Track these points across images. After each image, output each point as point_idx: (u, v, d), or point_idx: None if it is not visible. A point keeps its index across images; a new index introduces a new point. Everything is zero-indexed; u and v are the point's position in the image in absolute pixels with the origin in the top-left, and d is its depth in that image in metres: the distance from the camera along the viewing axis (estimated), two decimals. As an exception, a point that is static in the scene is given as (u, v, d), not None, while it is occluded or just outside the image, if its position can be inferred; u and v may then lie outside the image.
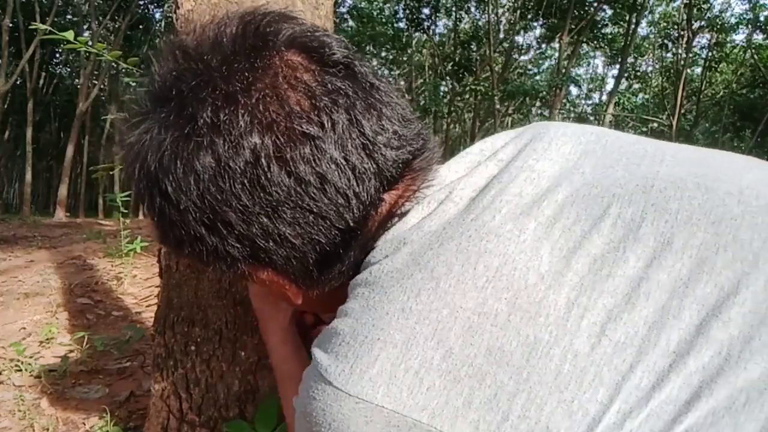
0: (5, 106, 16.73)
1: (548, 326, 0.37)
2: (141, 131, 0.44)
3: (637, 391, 0.36)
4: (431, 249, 0.41)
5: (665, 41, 20.07)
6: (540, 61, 25.11)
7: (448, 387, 0.37)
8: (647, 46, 22.80)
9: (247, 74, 0.42)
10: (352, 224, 0.45)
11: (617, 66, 19.40)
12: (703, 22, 18.11)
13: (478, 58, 20.23)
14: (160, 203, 0.44)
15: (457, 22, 21.45)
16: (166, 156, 0.42)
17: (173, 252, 0.55)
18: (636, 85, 25.08)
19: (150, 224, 0.50)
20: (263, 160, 0.41)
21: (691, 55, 19.12)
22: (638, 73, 22.98)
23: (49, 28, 1.71)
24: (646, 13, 18.47)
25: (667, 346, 0.36)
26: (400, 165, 0.46)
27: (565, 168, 0.45)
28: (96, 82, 17.29)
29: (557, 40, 17.19)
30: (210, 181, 0.42)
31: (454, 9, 20.28)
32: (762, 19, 17.34)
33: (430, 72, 24.66)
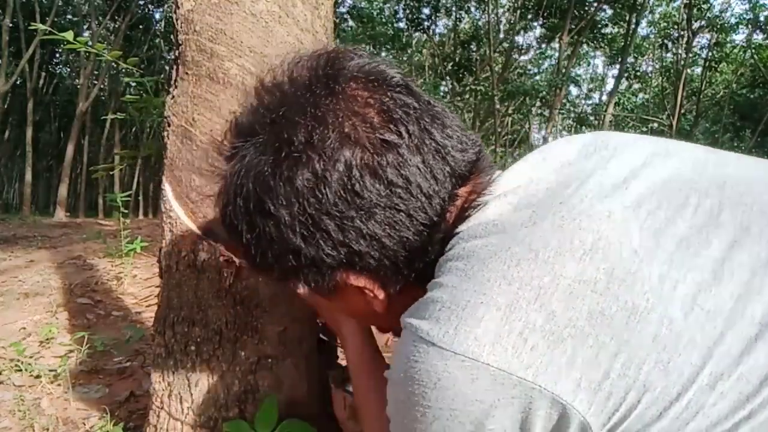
0: (5, 106, 16.72)
1: (645, 294, 0.40)
2: (235, 162, 0.50)
3: (727, 356, 0.40)
4: (525, 227, 0.45)
5: (665, 41, 20.05)
6: (540, 61, 25.09)
7: (552, 347, 0.40)
8: (647, 46, 22.77)
9: (328, 99, 0.48)
10: (435, 219, 0.50)
11: (617, 66, 19.39)
12: (703, 22, 18.09)
13: (478, 58, 20.23)
14: (260, 223, 0.49)
15: (457, 22, 21.43)
16: (267, 176, 0.48)
17: (265, 275, 0.58)
18: (636, 85, 25.06)
19: (240, 254, 0.55)
20: (355, 170, 0.47)
21: (691, 55, 19.10)
22: (638, 73, 22.96)
23: (49, 28, 1.71)
24: (646, 13, 18.46)
25: (752, 317, 0.40)
26: (468, 164, 0.53)
27: (636, 166, 0.49)
28: (96, 82, 17.29)
29: (557, 40, 17.17)
30: (309, 193, 0.47)
31: (454, 9, 20.27)
32: (762, 19, 17.32)
33: (430, 72, 24.64)
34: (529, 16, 18.56)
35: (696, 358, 0.40)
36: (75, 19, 19.33)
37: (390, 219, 0.48)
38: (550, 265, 0.42)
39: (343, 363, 1.08)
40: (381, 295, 0.55)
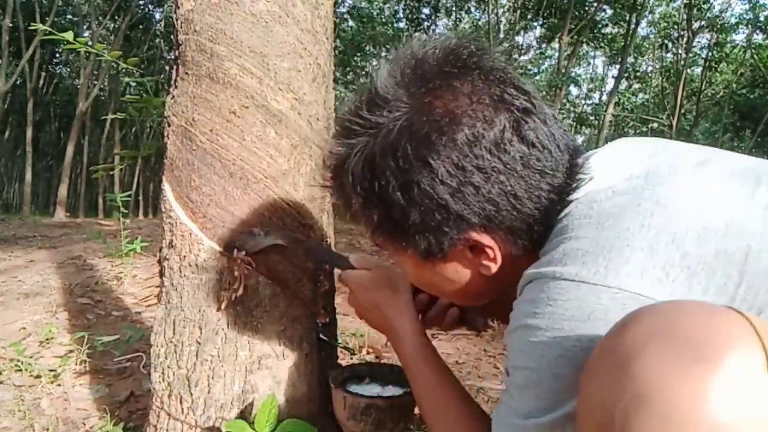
0: (5, 106, 16.72)
1: (755, 237, 0.50)
2: (379, 130, 0.57)
3: None
4: (647, 190, 0.54)
5: (665, 41, 20.04)
6: (540, 61, 25.08)
7: (689, 279, 0.49)
8: (647, 46, 22.75)
9: (475, 71, 0.57)
10: (562, 184, 0.58)
11: (617, 66, 19.38)
12: (703, 22, 18.08)
13: (478, 58, 20.18)
14: (414, 179, 0.55)
15: (457, 22, 21.42)
16: (426, 133, 0.54)
17: (389, 242, 0.63)
18: (636, 85, 25.04)
19: (368, 221, 0.60)
20: (507, 131, 0.55)
21: (691, 55, 19.08)
22: (638, 73, 22.95)
23: (49, 28, 1.71)
24: (646, 13, 18.45)
25: None
26: (574, 143, 0.62)
27: (701, 159, 0.58)
28: (96, 82, 17.29)
29: (557, 40, 17.16)
30: (467, 148, 0.54)
31: (454, 9, 20.26)
32: (762, 19, 17.30)
33: (430, 72, 24.58)
34: (529, 16, 18.55)
35: None
36: (75, 19, 19.32)
37: (528, 178, 0.56)
38: (680, 217, 0.51)
39: (343, 363, 1.08)
40: (499, 257, 0.60)
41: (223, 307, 0.93)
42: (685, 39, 18.52)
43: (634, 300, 0.48)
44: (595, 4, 16.35)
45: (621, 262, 0.49)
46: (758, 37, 18.15)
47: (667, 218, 0.51)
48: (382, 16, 22.28)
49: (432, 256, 0.61)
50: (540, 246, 0.59)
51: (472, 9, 20.39)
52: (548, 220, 0.59)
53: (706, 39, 19.28)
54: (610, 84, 23.19)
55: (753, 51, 17.71)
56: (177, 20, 0.99)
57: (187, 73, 0.97)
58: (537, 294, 0.53)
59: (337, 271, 0.93)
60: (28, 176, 14.25)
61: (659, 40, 20.57)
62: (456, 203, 0.55)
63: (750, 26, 17.54)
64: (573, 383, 0.49)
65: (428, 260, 0.62)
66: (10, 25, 13.13)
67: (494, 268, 0.61)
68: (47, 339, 1.91)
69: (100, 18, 17.22)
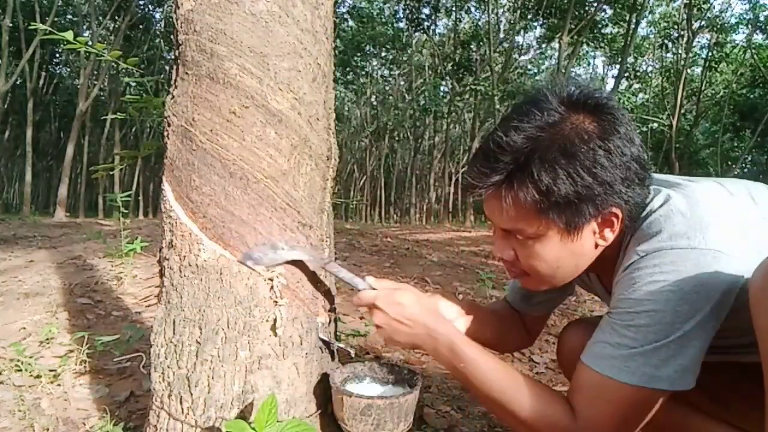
0: (5, 106, 16.71)
1: None
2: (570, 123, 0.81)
3: None
4: (704, 203, 0.81)
5: (665, 41, 20.03)
6: (540, 61, 25.07)
7: (755, 244, 0.77)
8: (647, 46, 22.74)
9: (600, 111, 0.83)
10: (647, 186, 0.84)
11: (617, 66, 19.37)
12: (703, 22, 18.07)
13: (478, 58, 20.21)
14: (598, 161, 0.78)
15: (457, 22, 21.41)
16: (600, 145, 0.78)
17: (556, 212, 0.81)
18: (636, 85, 25.02)
19: (532, 197, 0.79)
20: (627, 142, 0.80)
21: (691, 55, 19.07)
22: (638, 73, 22.94)
23: (49, 28, 1.71)
24: (646, 13, 18.44)
25: None
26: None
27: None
28: (96, 82, 17.29)
29: (557, 40, 17.14)
30: (612, 156, 0.78)
31: (454, 9, 20.25)
32: (762, 19, 17.28)
33: (430, 72, 24.62)
34: (529, 16, 18.54)
35: None
36: (75, 19, 19.32)
37: (637, 173, 0.80)
38: (744, 207, 0.83)
39: (342, 363, 1.08)
40: (617, 229, 0.83)
41: (223, 305, 0.93)
42: (685, 39, 18.51)
43: (726, 260, 0.74)
44: (595, 4, 16.34)
45: (712, 233, 0.75)
46: (758, 37, 18.14)
47: (730, 213, 0.80)
48: (382, 16, 22.27)
49: (575, 228, 0.81)
50: (627, 229, 0.84)
51: (472, 9, 20.37)
52: (643, 210, 0.84)
53: (706, 39, 19.27)
54: (610, 84, 23.18)
55: (753, 51, 17.70)
56: (177, 20, 0.99)
57: (187, 73, 0.97)
58: (661, 259, 0.76)
59: (357, 292, 0.97)
60: (28, 176, 14.25)
61: (659, 40, 20.57)
62: (599, 186, 0.78)
63: (750, 26, 17.52)
64: (687, 315, 0.73)
65: (569, 234, 0.82)
66: (10, 25, 13.13)
67: (612, 237, 0.84)
68: (47, 339, 1.91)
69: (100, 18, 17.21)
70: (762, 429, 0.68)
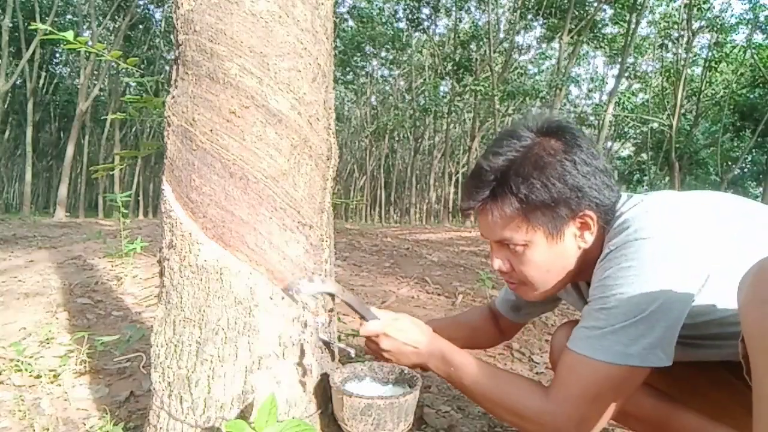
0: (5, 106, 16.72)
1: (755, 229, 0.89)
2: (561, 159, 0.93)
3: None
4: (670, 203, 0.91)
5: (665, 41, 20.03)
6: (540, 61, 25.07)
7: (717, 237, 0.87)
8: (647, 46, 22.73)
9: (560, 137, 0.96)
10: (615, 192, 0.95)
11: (617, 66, 19.37)
12: (703, 22, 18.07)
13: (478, 58, 20.21)
14: (564, 173, 0.90)
15: (457, 22, 21.41)
16: (565, 158, 0.92)
17: (534, 221, 0.93)
18: (636, 85, 25.02)
19: (518, 204, 0.92)
20: (588, 160, 0.93)
21: (691, 55, 19.06)
22: (638, 73, 22.94)
23: (49, 28, 1.71)
24: (646, 13, 18.43)
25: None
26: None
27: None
28: (96, 82, 17.28)
29: (557, 40, 17.13)
30: (583, 162, 0.92)
31: (454, 9, 20.25)
32: (762, 19, 17.28)
33: (430, 72, 24.62)
34: (529, 16, 18.54)
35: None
36: (75, 19, 19.32)
37: (597, 181, 0.92)
38: (710, 210, 0.91)
39: (342, 363, 1.08)
40: (594, 231, 0.94)
41: (223, 305, 0.93)
42: (685, 39, 18.50)
43: (685, 243, 0.83)
44: (595, 4, 16.33)
45: (674, 227, 0.84)
46: (758, 37, 18.13)
47: (686, 209, 0.89)
48: (382, 16, 22.25)
49: (557, 231, 0.92)
50: (605, 232, 0.94)
51: (472, 9, 20.37)
52: (614, 213, 0.93)
53: (706, 39, 19.26)
54: (610, 84, 23.17)
55: (753, 51, 17.69)
56: (177, 20, 0.99)
57: (187, 73, 0.97)
58: (627, 250, 0.85)
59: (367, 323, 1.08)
60: (28, 176, 14.25)
61: (659, 40, 20.56)
62: (588, 186, 0.91)
63: (750, 26, 17.52)
64: (651, 297, 0.81)
65: (552, 237, 0.92)
66: (10, 25, 13.13)
67: (591, 240, 0.94)
68: (47, 339, 1.91)
69: (100, 18, 17.21)
70: (747, 425, 0.69)
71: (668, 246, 0.83)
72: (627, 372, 0.83)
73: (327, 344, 1.05)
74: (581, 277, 1.02)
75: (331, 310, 1.08)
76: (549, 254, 0.95)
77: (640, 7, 15.25)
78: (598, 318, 0.86)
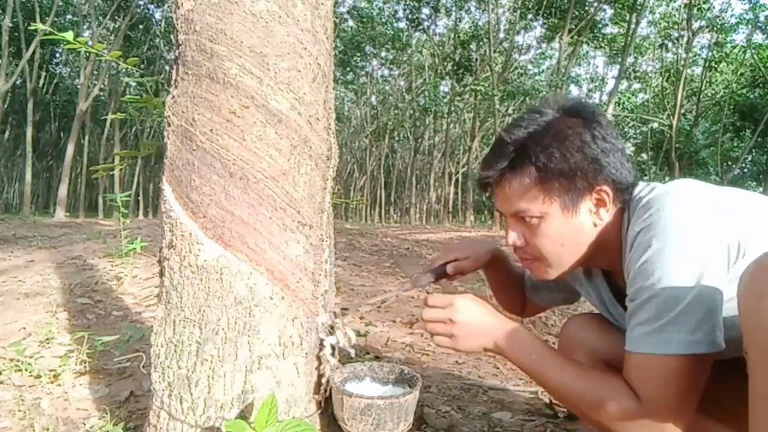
0: (5, 106, 16.72)
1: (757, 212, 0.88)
2: (574, 132, 0.93)
3: None
4: (687, 184, 0.90)
5: (665, 41, 20.02)
6: (540, 61, 25.06)
7: (727, 210, 0.85)
8: (647, 46, 22.73)
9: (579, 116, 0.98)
10: (631, 172, 0.95)
11: (617, 66, 19.36)
12: (703, 22, 18.07)
13: (478, 58, 20.21)
14: (583, 144, 0.91)
15: (457, 22, 21.40)
16: (585, 131, 0.92)
17: (554, 188, 0.92)
18: (636, 85, 25.01)
19: (539, 174, 0.91)
20: (608, 137, 0.93)
21: (691, 55, 19.06)
22: (638, 73, 22.94)
23: (49, 28, 1.71)
24: (646, 13, 18.43)
25: None
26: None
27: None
28: (96, 82, 17.28)
29: (557, 40, 17.14)
30: (596, 140, 0.92)
31: (454, 9, 20.25)
32: (762, 19, 17.27)
33: (430, 72, 24.62)
34: (529, 16, 18.54)
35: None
36: (75, 19, 19.32)
37: (621, 161, 0.93)
38: (709, 197, 0.87)
39: (342, 363, 1.08)
40: (611, 207, 0.93)
41: (223, 305, 0.93)
42: (685, 39, 18.50)
43: (709, 213, 0.82)
44: (595, 4, 16.34)
45: (689, 201, 0.83)
46: (758, 37, 18.12)
47: (703, 190, 0.87)
48: (382, 16, 22.25)
49: (573, 204, 0.91)
50: (622, 217, 0.94)
51: (472, 9, 20.37)
52: (631, 193, 0.94)
53: (706, 39, 19.26)
54: (610, 84, 23.16)
55: (753, 51, 17.69)
56: (177, 20, 0.99)
57: (187, 73, 0.97)
58: (654, 230, 0.83)
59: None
60: (28, 176, 14.25)
61: (659, 40, 20.56)
62: (604, 158, 0.91)
63: (750, 26, 17.51)
64: (695, 271, 0.78)
65: (568, 210, 0.92)
66: (10, 25, 13.13)
67: (606, 218, 0.93)
68: (47, 339, 1.91)
69: (100, 18, 17.21)
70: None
71: (696, 216, 0.81)
72: (700, 359, 0.79)
73: (327, 344, 1.05)
74: (595, 262, 1.00)
75: (332, 310, 1.08)
76: (564, 228, 0.94)
77: (640, 7, 15.25)
78: (649, 309, 0.81)
